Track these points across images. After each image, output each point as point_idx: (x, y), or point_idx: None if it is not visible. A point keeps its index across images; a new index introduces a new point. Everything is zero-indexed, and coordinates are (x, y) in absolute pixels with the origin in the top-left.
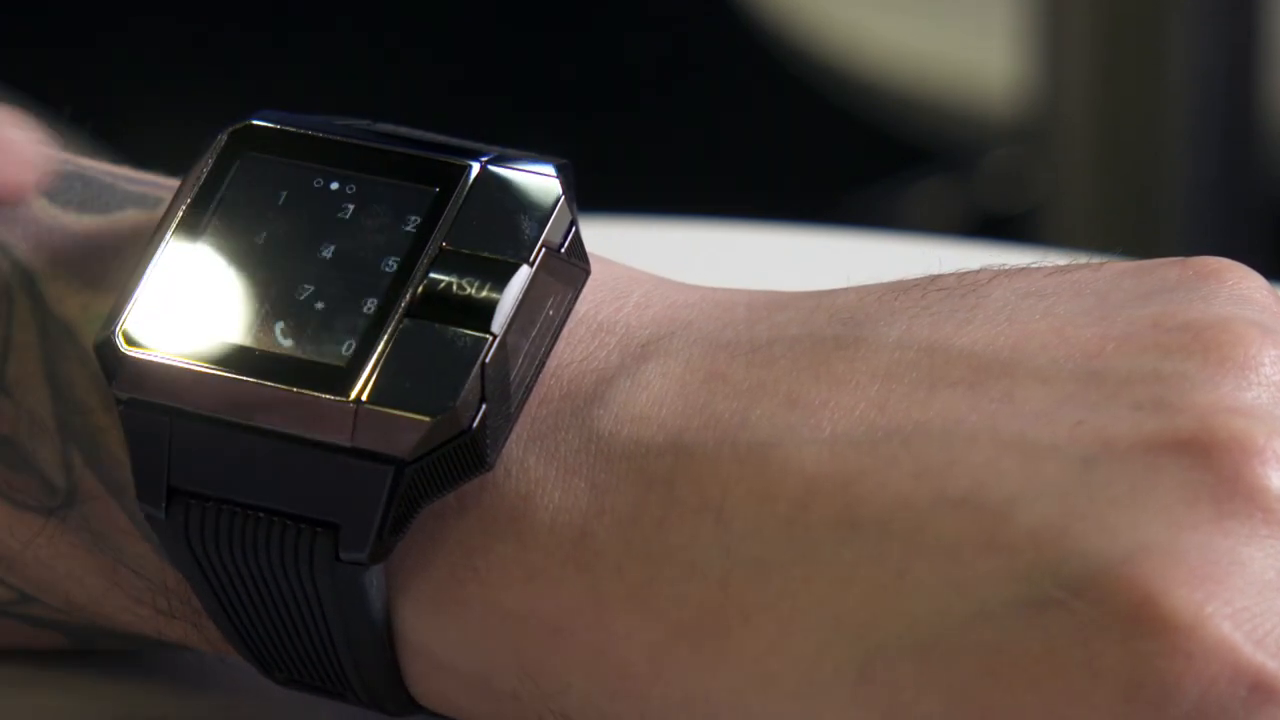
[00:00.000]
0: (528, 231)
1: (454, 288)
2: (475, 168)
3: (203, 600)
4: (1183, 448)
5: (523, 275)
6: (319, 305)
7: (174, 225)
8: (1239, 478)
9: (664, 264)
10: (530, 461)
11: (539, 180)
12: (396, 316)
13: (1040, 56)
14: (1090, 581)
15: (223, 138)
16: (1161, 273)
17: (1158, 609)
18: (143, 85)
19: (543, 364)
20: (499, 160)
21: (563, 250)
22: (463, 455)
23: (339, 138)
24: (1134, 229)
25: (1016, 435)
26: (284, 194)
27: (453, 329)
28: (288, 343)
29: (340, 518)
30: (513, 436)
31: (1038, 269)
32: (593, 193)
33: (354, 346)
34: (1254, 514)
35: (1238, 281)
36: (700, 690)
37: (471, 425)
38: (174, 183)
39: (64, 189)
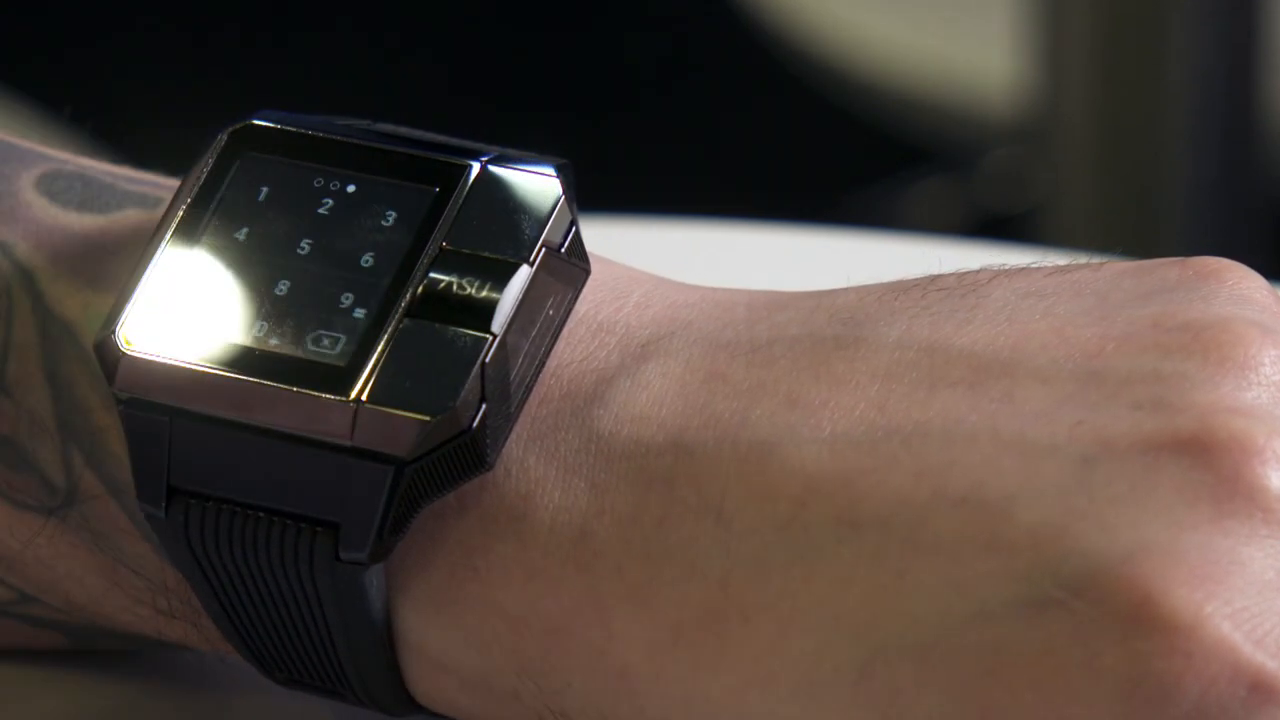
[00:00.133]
0: (528, 231)
1: (454, 287)
2: (475, 168)
3: (202, 600)
4: (1183, 447)
5: (523, 275)
6: (319, 305)
7: (174, 225)
8: (1239, 478)
9: (664, 264)
10: (530, 461)
11: (539, 180)
12: (396, 316)
13: (1040, 56)
14: (1090, 581)
15: (223, 138)
16: (1161, 273)
17: (1157, 609)
18: (143, 85)
19: (543, 364)
20: (499, 160)
21: (563, 250)
22: (463, 455)
23: (339, 138)
24: (1134, 229)
25: (1016, 435)
26: (284, 194)
27: (453, 329)
28: (288, 342)
29: (340, 517)
30: (513, 436)
31: (1038, 269)
32: (593, 193)
33: (354, 346)
34: (1254, 514)
35: (1238, 281)
36: (700, 690)
37: (471, 425)
38: (174, 183)
39: (64, 189)
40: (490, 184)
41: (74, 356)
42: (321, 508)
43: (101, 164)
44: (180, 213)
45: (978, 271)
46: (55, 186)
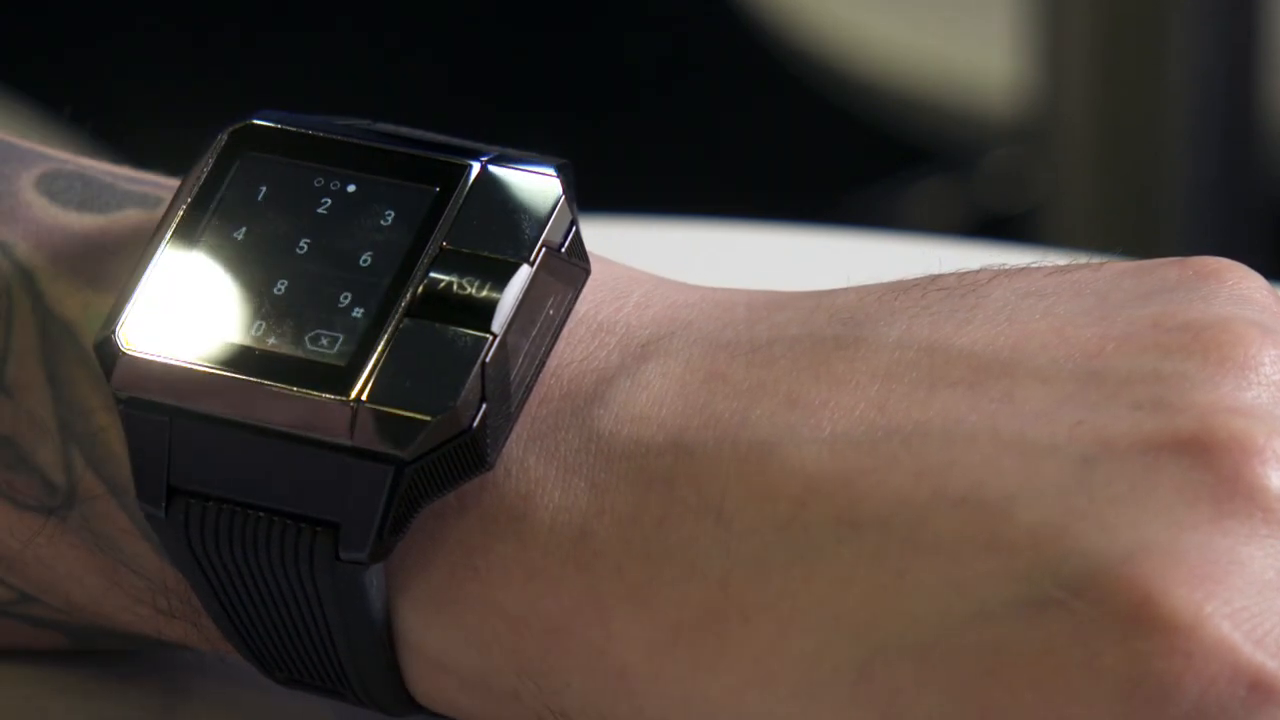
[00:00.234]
0: (528, 231)
1: (454, 287)
2: (476, 167)
3: (202, 600)
4: (1182, 447)
5: (523, 275)
6: (319, 305)
7: (174, 225)
8: (1239, 477)
9: (664, 264)
10: (530, 461)
11: (539, 180)
12: (396, 316)
13: (1040, 56)
14: (1090, 581)
15: (223, 138)
16: (1161, 273)
17: (1157, 609)
18: (143, 85)
19: (543, 364)
20: (499, 160)
21: (563, 250)
22: (463, 455)
23: (339, 137)
24: (1134, 229)
25: (1016, 435)
26: (284, 194)
27: (453, 328)
28: (288, 342)
29: (340, 517)
30: (513, 436)
31: (1038, 269)
32: (593, 193)
33: (354, 346)
34: (1254, 514)
35: (1238, 281)
36: (700, 690)
37: (471, 425)
38: (174, 183)
39: (64, 189)
40: (490, 184)
41: (74, 357)
42: (321, 507)
43: (101, 164)
44: (180, 213)
45: (978, 271)
46: (55, 186)
